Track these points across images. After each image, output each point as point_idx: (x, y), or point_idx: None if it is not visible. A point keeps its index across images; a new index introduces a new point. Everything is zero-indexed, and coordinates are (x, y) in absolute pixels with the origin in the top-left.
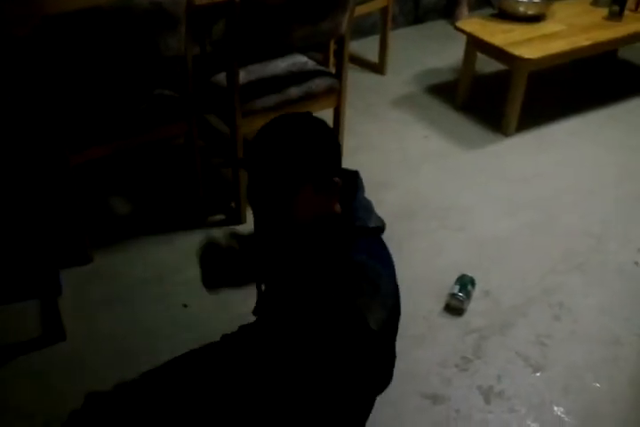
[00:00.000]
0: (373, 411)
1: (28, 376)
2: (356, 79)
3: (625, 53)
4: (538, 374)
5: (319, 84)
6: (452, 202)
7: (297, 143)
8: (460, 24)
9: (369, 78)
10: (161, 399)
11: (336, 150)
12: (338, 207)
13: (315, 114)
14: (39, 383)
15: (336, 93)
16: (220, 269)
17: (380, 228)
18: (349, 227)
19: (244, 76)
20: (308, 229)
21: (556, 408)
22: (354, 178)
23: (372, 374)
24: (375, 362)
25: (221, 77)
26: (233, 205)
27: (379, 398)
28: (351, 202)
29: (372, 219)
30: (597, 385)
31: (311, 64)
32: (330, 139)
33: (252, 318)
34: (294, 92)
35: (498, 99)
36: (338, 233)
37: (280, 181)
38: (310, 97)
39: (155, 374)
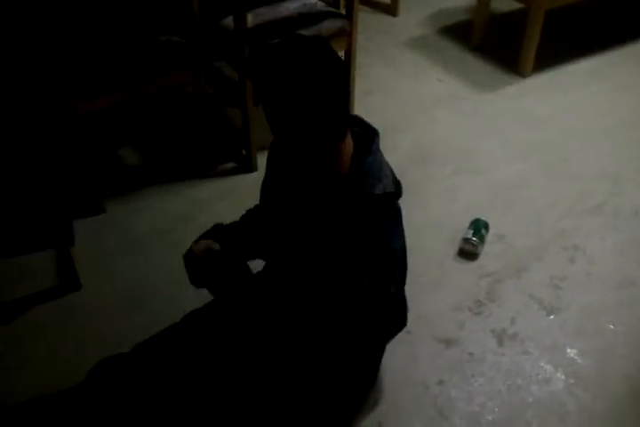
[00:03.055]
0: (388, 355)
1: (45, 326)
2: (367, 21)
3: None
4: (552, 317)
5: (329, 26)
6: (467, 145)
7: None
8: None
9: (381, 20)
10: (174, 360)
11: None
12: (348, 155)
13: None
14: (55, 333)
15: (347, 35)
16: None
17: (391, 193)
18: (359, 192)
19: (252, 19)
20: (318, 190)
21: (569, 350)
22: (372, 136)
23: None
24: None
25: (229, 21)
26: (243, 152)
27: (393, 342)
28: (361, 165)
29: (381, 184)
30: (611, 327)
31: (321, 5)
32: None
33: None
34: (304, 34)
35: (514, 39)
36: (346, 199)
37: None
38: None
39: (166, 337)
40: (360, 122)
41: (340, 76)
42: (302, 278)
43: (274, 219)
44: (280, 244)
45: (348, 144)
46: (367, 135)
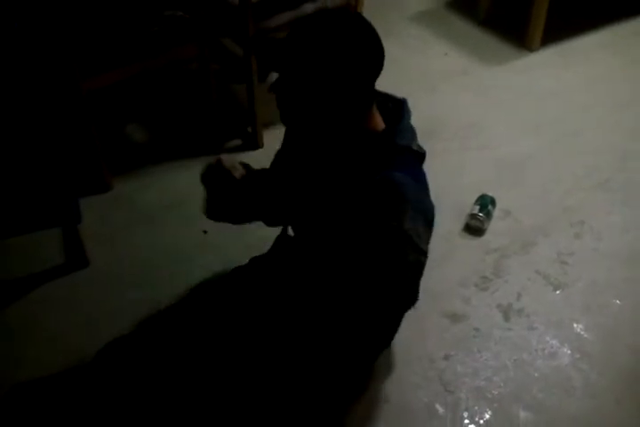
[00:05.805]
0: None
1: (54, 303)
2: None
3: None
4: (558, 292)
5: None
6: (474, 120)
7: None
8: None
9: None
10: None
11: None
12: (380, 124)
13: None
14: (65, 310)
15: (352, 9)
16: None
17: (422, 154)
18: (391, 144)
19: None
20: (344, 143)
21: (575, 325)
22: (400, 105)
23: (401, 289)
24: (404, 277)
25: None
26: (249, 129)
27: None
28: (396, 125)
29: (414, 143)
30: (618, 302)
31: None
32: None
33: (266, 247)
34: (309, 8)
35: (521, 12)
36: (378, 149)
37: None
38: None
39: (169, 317)
40: (381, 93)
41: (372, 43)
42: (331, 241)
43: (293, 188)
44: (302, 211)
45: (375, 114)
46: (395, 102)
